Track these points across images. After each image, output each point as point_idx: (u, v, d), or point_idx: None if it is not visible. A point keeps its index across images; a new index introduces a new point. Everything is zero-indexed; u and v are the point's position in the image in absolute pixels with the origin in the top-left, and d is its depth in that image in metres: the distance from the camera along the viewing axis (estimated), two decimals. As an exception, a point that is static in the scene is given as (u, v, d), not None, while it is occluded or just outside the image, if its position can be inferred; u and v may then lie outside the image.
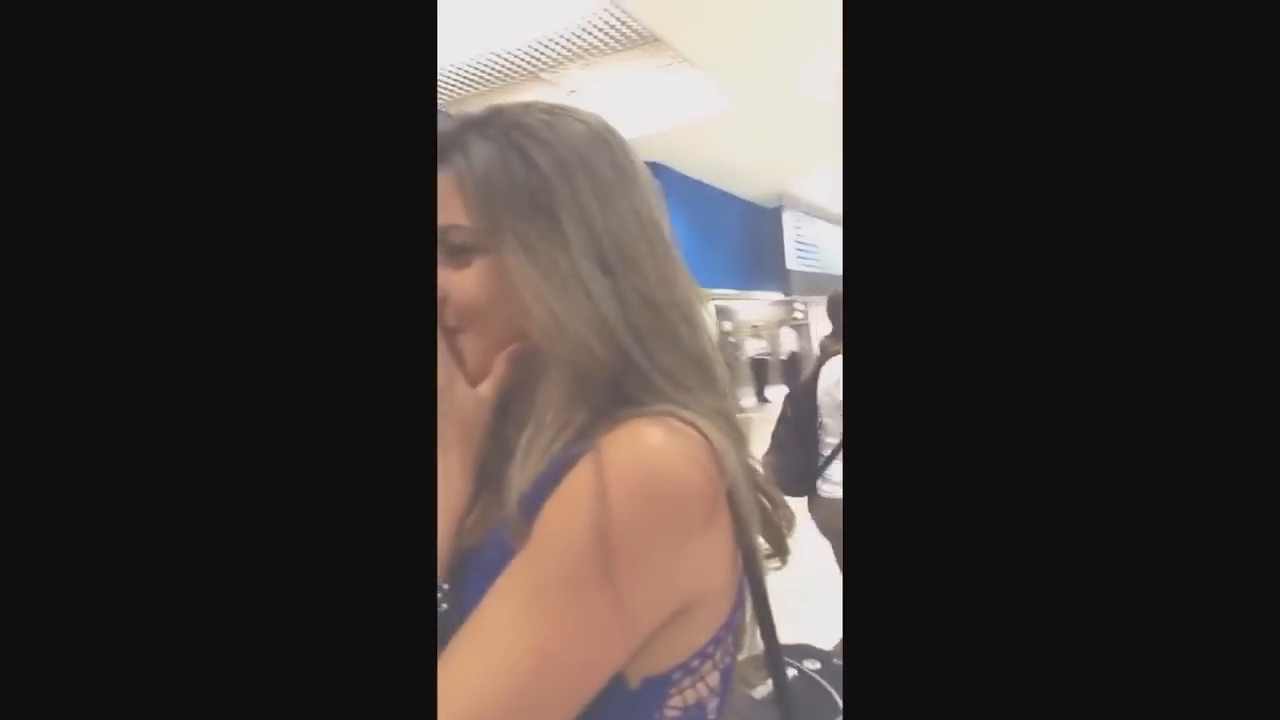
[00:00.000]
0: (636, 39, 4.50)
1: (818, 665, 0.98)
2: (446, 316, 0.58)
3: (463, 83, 4.78)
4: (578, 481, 0.50)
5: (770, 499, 0.60)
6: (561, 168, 0.60)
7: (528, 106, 0.65)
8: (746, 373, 11.81)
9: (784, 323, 13.04)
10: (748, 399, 11.63)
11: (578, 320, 0.56)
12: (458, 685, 0.48)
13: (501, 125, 0.62)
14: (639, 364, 0.57)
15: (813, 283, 10.89)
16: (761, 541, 0.58)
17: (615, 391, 0.56)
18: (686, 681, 0.55)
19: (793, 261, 10.02)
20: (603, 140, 0.65)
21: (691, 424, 0.52)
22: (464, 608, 0.53)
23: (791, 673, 0.98)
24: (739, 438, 0.57)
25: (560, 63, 4.70)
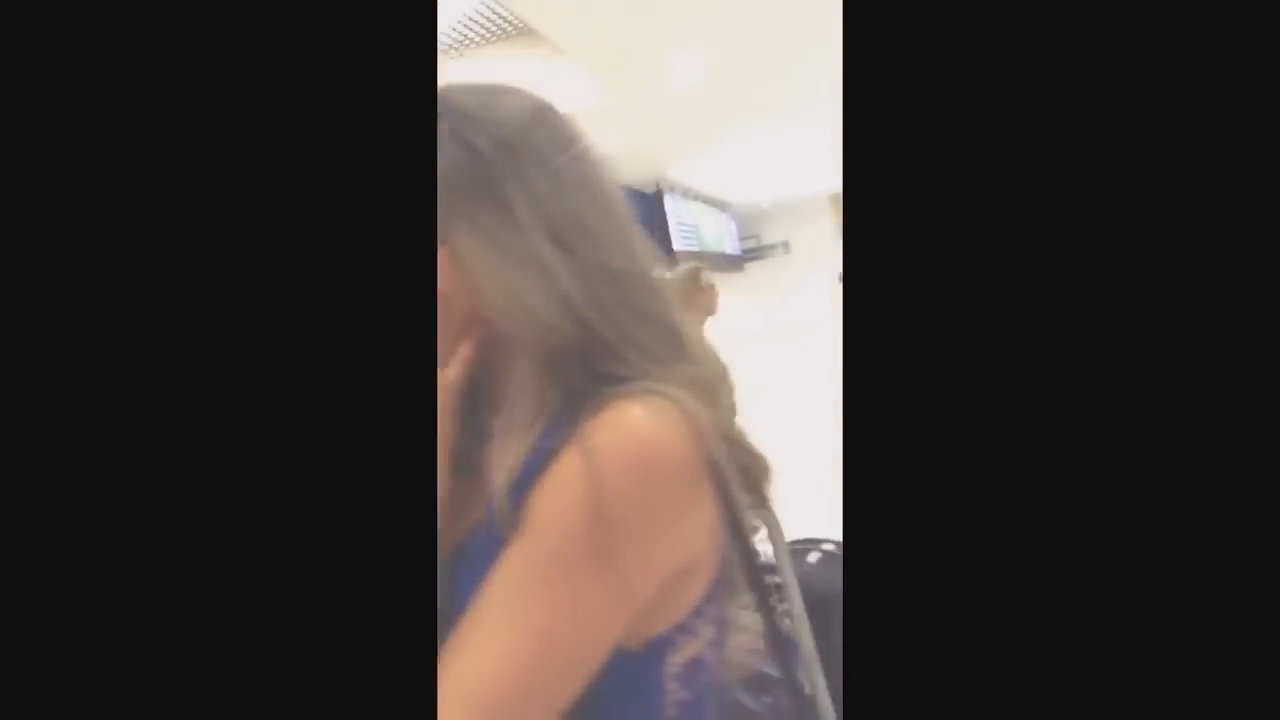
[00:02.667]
0: (511, 31, 4.55)
1: (833, 546, 1.12)
2: None
3: (337, 79, 4.67)
4: (566, 467, 0.50)
5: (748, 454, 0.61)
6: (503, 148, 0.59)
7: (465, 88, 0.63)
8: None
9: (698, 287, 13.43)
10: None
11: (540, 301, 0.55)
12: (463, 674, 0.48)
13: (439, 111, 0.60)
14: (608, 339, 0.56)
15: (696, 260, 11.24)
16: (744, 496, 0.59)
17: (587, 369, 0.56)
18: (685, 639, 0.57)
19: (678, 242, 10.31)
20: (543, 116, 0.65)
21: (668, 396, 0.52)
22: (455, 600, 0.53)
23: (814, 556, 1.13)
24: (715, 402, 0.58)
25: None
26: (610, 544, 0.48)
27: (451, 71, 5.17)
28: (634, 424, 0.50)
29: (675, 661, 0.56)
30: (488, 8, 4.18)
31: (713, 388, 0.58)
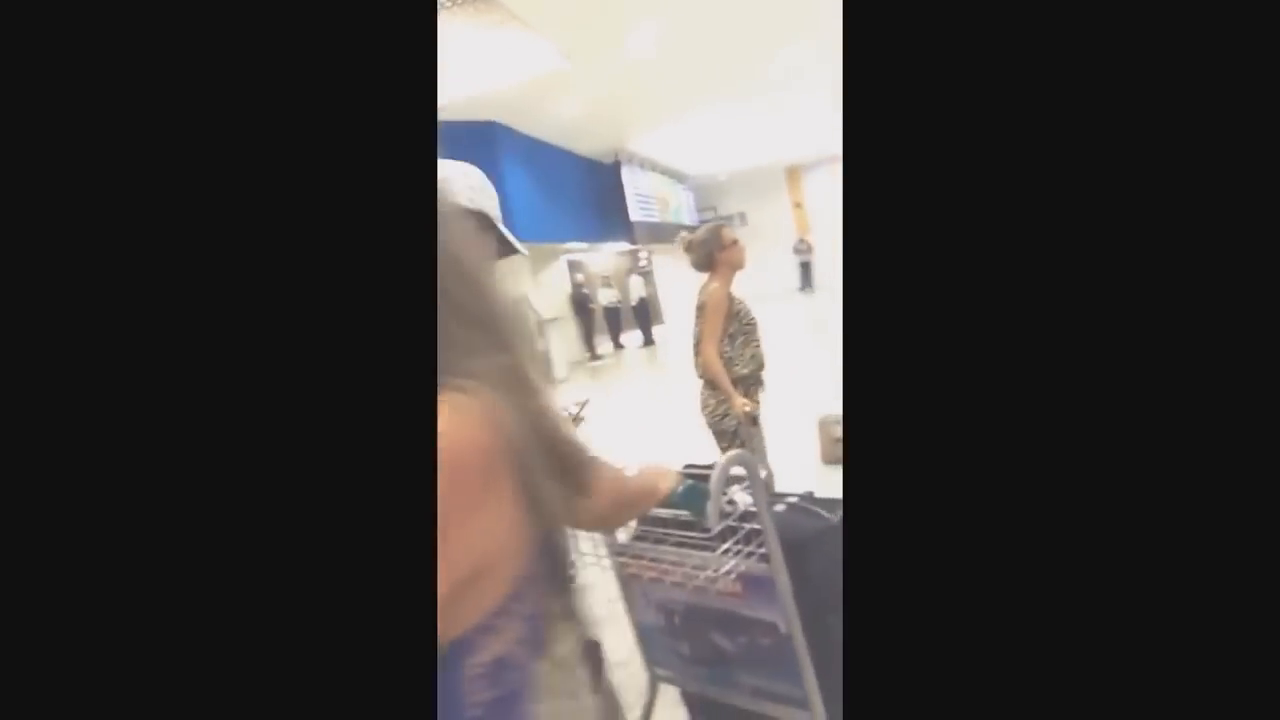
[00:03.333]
0: (467, -1, 4.51)
1: (795, 499, 1.20)
2: None
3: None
4: None
5: (566, 442, 0.59)
6: None
7: None
8: (602, 322, 12.18)
9: (631, 271, 13.52)
10: (605, 346, 12.02)
11: None
12: None
13: None
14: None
15: (655, 232, 11.34)
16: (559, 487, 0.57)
17: None
18: (487, 639, 0.54)
19: (635, 213, 10.38)
20: None
21: (464, 390, 0.51)
22: None
23: (780, 507, 1.17)
24: (531, 390, 0.56)
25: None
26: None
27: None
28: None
29: (476, 663, 0.54)
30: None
31: (530, 376, 0.57)
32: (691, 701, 1.36)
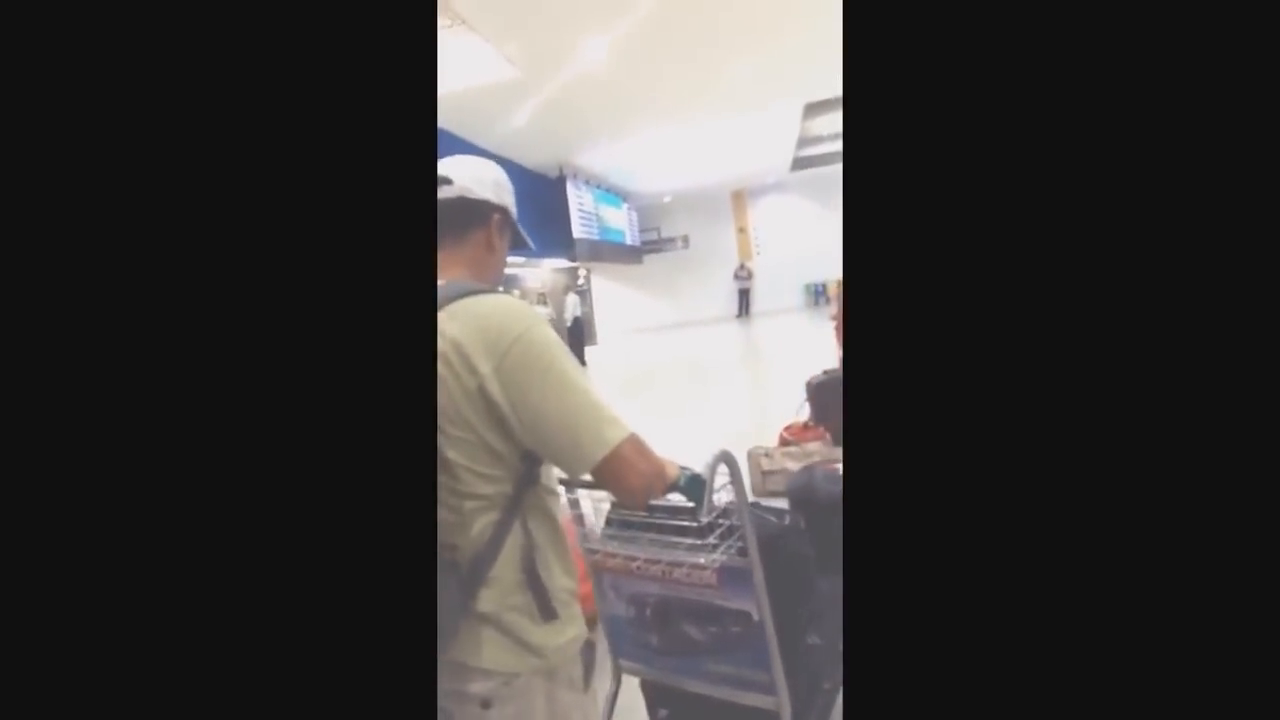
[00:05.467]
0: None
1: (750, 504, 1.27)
2: None
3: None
4: None
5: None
6: None
7: None
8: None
9: (569, 289, 13.32)
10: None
11: None
12: None
13: None
14: None
15: (595, 250, 11.20)
16: None
17: None
18: None
19: (578, 230, 10.24)
20: None
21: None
22: None
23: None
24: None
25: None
26: None
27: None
28: None
29: None
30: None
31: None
32: (651, 691, 1.42)
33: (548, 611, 0.85)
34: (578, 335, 12.28)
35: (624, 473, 0.82)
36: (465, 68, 5.46)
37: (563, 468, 0.86)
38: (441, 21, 4.74)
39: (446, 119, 6.64)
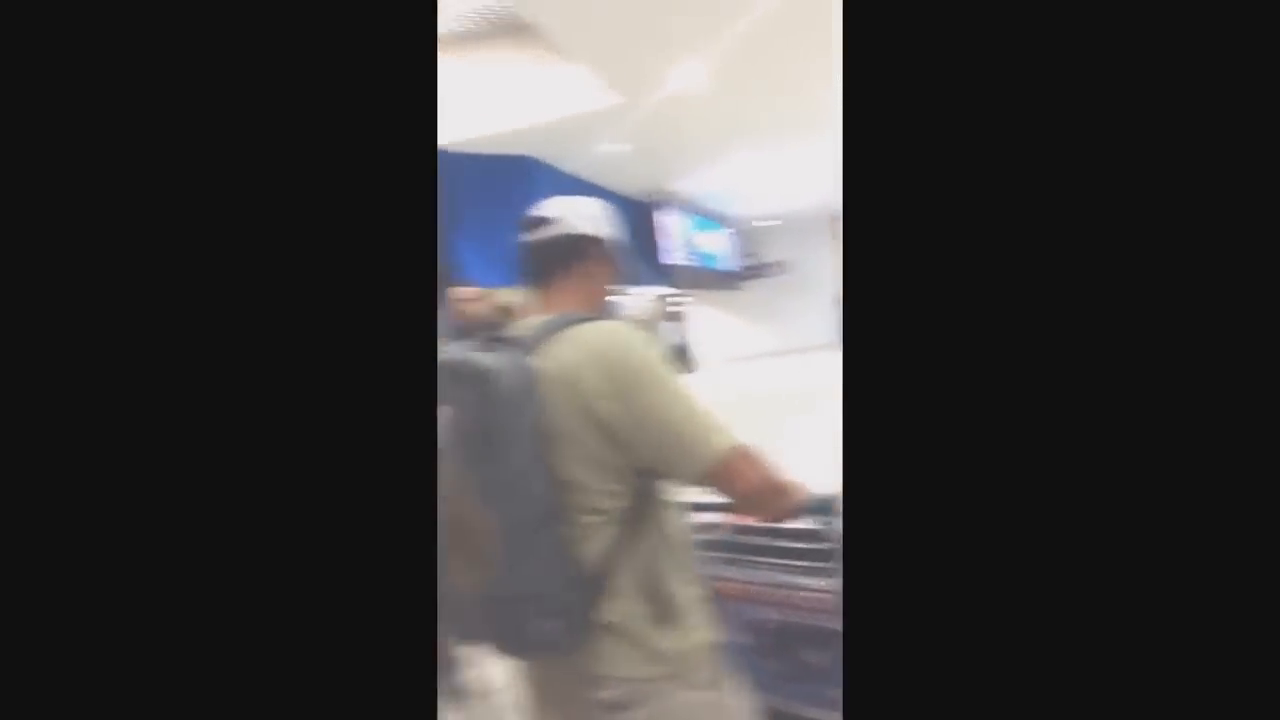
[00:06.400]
0: (510, 28, 4.42)
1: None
2: None
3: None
4: None
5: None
6: None
7: None
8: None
9: (668, 315, 13.31)
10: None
11: None
12: None
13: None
14: None
15: (694, 277, 11.13)
16: None
17: None
18: None
19: (673, 257, 10.22)
20: None
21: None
22: None
23: None
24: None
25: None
26: None
27: (451, 68, 5.05)
28: None
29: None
30: (488, 4, 4.04)
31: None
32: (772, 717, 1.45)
33: (671, 619, 0.88)
34: (677, 362, 12.21)
35: (734, 480, 0.85)
36: (558, 96, 5.53)
37: (675, 478, 0.89)
38: (537, 51, 4.83)
39: (539, 148, 6.77)
